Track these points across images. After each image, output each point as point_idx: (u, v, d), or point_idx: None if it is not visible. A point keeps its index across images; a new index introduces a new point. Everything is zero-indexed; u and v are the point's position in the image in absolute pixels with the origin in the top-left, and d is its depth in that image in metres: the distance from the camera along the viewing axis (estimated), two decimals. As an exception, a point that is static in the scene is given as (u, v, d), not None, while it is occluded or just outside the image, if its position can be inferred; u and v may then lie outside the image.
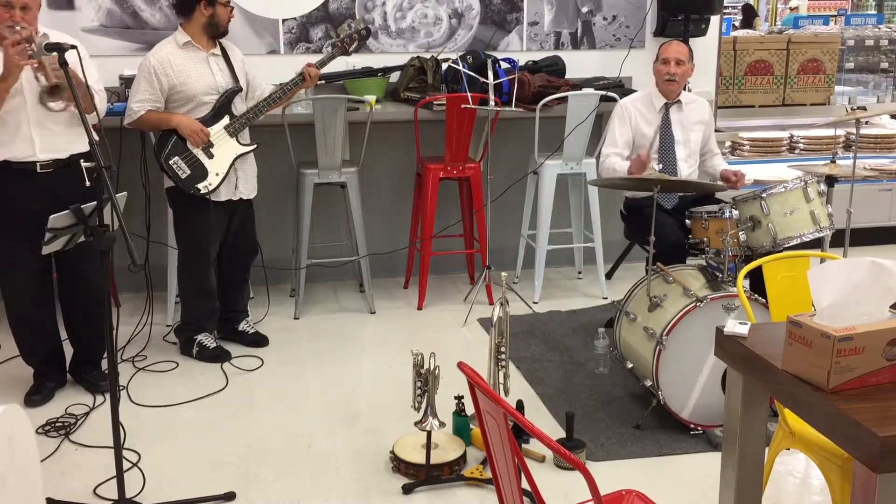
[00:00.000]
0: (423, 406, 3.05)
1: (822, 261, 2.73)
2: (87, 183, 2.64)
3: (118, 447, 2.70)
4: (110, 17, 4.75)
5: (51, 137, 3.44)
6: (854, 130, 4.68)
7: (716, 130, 4.62)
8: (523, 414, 3.21)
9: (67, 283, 3.70)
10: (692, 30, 5.21)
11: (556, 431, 3.38)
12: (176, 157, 3.89)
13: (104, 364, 3.76)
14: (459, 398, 3.31)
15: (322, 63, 4.16)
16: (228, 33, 4.03)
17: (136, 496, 2.95)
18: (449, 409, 3.30)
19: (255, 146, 4.08)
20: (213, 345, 4.15)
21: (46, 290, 3.67)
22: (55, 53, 2.95)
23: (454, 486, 3.04)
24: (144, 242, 4.40)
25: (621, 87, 5.05)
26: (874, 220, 5.95)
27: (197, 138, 3.87)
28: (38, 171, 3.44)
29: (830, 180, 4.13)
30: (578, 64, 5.22)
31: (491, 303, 4.82)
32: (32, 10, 3.34)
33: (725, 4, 6.95)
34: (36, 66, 3.21)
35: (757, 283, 3.11)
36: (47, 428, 3.43)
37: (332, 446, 3.33)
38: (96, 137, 2.76)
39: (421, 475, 3.05)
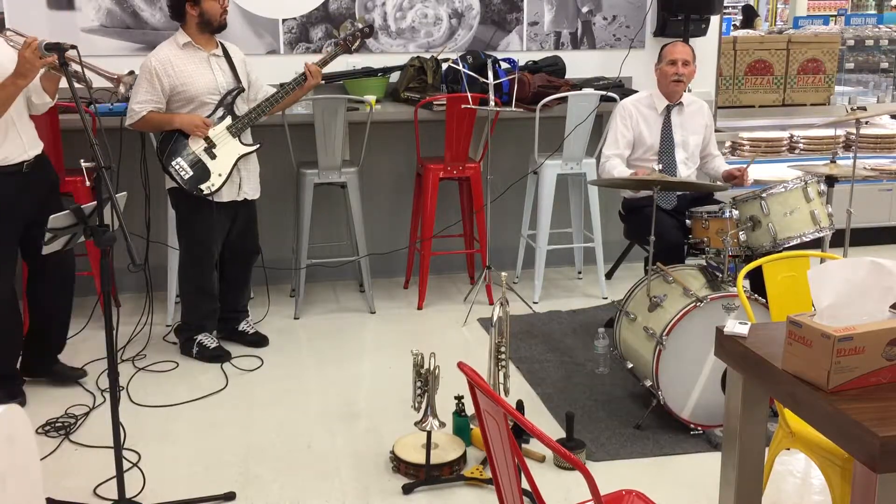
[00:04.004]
0: (423, 406, 3.05)
1: (822, 261, 2.73)
2: (87, 183, 2.65)
3: (118, 447, 2.70)
4: (110, 17, 4.75)
5: (31, 132, 3.47)
6: (854, 130, 4.68)
7: (716, 130, 4.62)
8: (523, 414, 3.21)
9: (35, 263, 3.58)
10: (692, 30, 5.21)
11: (556, 431, 3.38)
12: (178, 159, 3.88)
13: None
14: (459, 398, 3.31)
15: (324, 62, 4.14)
16: (227, 27, 4.01)
17: (136, 496, 2.95)
18: (449, 409, 3.30)
19: (258, 146, 4.07)
20: (214, 345, 4.15)
21: (15, 293, 3.58)
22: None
23: (454, 486, 3.04)
24: (144, 242, 4.41)
25: (621, 88, 5.05)
26: (874, 220, 5.95)
27: (199, 132, 3.87)
28: (24, 170, 3.43)
29: (830, 180, 4.13)
30: (578, 64, 5.22)
31: (491, 303, 4.82)
32: None
33: (725, 4, 6.95)
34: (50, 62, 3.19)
35: (757, 283, 3.11)
36: (47, 428, 3.42)
37: (332, 446, 3.33)
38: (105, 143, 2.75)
39: (421, 475, 3.05)
